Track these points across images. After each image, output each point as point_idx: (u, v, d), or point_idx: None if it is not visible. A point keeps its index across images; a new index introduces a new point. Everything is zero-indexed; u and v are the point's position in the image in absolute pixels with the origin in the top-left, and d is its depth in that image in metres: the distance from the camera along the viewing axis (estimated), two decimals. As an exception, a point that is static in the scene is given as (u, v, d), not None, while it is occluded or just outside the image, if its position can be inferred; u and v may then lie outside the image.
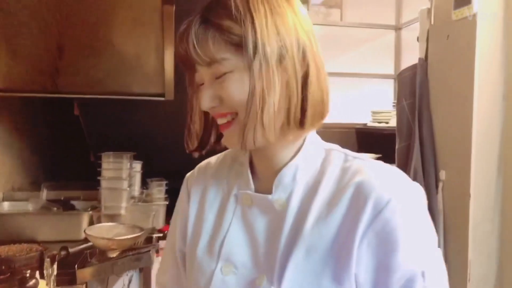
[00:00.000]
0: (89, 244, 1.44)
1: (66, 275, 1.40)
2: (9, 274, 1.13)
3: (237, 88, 0.55)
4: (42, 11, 1.51)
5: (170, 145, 2.52)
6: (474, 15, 1.11)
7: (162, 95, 1.90)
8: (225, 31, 0.54)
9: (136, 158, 2.18)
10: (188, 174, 0.75)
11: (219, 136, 0.64)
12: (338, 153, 0.62)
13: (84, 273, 1.42)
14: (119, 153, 2.01)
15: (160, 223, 2.26)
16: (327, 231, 0.55)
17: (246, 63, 0.54)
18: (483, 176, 1.17)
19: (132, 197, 2.15)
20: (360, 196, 0.54)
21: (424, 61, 1.31)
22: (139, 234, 1.72)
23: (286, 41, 0.55)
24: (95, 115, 2.24)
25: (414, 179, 1.29)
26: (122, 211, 2.00)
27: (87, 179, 2.13)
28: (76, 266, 1.39)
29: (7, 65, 1.74)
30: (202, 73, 0.58)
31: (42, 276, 1.16)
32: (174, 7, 1.44)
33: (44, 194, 2.15)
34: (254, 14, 0.54)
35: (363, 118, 2.74)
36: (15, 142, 2.31)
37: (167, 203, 2.28)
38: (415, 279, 0.53)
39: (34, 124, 2.44)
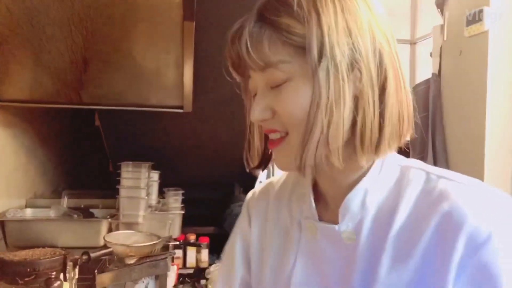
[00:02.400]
0: (109, 249, 1.49)
1: (86, 280, 1.45)
2: (34, 276, 1.18)
3: (294, 100, 0.47)
4: (69, 26, 1.58)
5: (187, 155, 2.60)
6: (486, 32, 1.14)
7: (181, 107, 1.96)
8: (284, 30, 0.46)
9: (154, 168, 2.24)
10: (249, 195, 0.67)
11: None
12: (418, 171, 0.51)
13: (103, 278, 1.47)
14: (137, 162, 2.08)
15: (176, 232, 2.31)
16: (407, 273, 0.45)
17: (309, 69, 0.45)
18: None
19: (150, 206, 2.21)
20: (448, 229, 0.43)
21: (438, 76, 1.33)
22: (156, 241, 1.77)
23: (360, 43, 0.46)
24: (115, 126, 2.31)
25: (427, 191, 1.31)
26: (140, 219, 2.05)
27: (106, 188, 2.20)
28: (95, 271, 1.44)
29: (34, 78, 1.82)
30: (256, 80, 0.51)
31: (65, 279, 1.21)
32: (194, 23, 1.50)
33: (65, 201, 2.22)
34: (320, 10, 0.45)
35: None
36: (39, 151, 2.39)
37: (183, 212, 2.34)
38: None
39: (56, 134, 2.53)
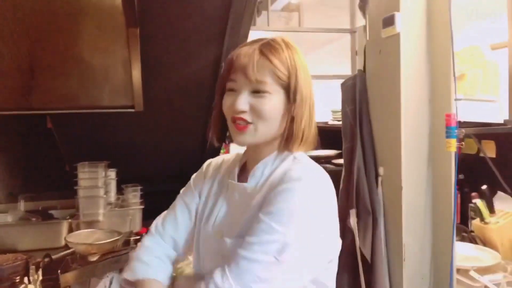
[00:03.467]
0: (71, 250, 1.56)
1: (51, 280, 1.52)
2: (-2, 282, 1.25)
3: (269, 106, 0.78)
4: (13, 35, 1.60)
5: (143, 152, 2.65)
6: (398, 34, 1.30)
7: (132, 107, 2.02)
8: (276, 67, 0.78)
9: (110, 166, 2.28)
10: (207, 162, 1.00)
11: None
12: (291, 156, 0.84)
13: (67, 277, 1.54)
14: (94, 162, 2.12)
15: (137, 226, 2.38)
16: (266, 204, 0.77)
17: (281, 95, 0.79)
18: (413, 171, 1.37)
19: (109, 203, 2.26)
20: (279, 179, 0.79)
21: (363, 72, 1.49)
22: (117, 238, 1.84)
23: (308, 92, 0.82)
24: (68, 127, 2.33)
25: (358, 175, 1.48)
26: (100, 218, 2.11)
27: (63, 189, 2.23)
28: (59, 271, 1.51)
29: (-20, 85, 1.81)
30: (243, 84, 0.80)
31: (29, 282, 1.28)
32: (138, 29, 1.57)
33: (22, 205, 2.23)
34: (298, 69, 0.80)
35: (324, 117, 2.93)
36: (-9, 157, 2.37)
37: (143, 206, 2.41)
38: (261, 218, 0.75)
39: (8, 139, 2.51)
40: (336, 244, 0.84)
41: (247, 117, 0.79)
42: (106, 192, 2.18)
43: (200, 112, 2.35)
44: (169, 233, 0.95)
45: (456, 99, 1.33)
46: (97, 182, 2.10)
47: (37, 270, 1.35)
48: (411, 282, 1.38)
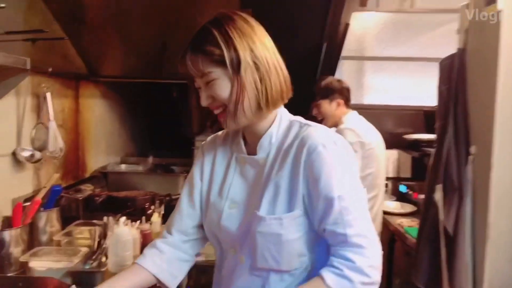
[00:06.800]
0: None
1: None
2: (133, 208, 1.62)
3: (221, 90, 0.81)
4: (153, 16, 1.95)
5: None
6: (499, 12, 1.27)
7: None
8: (208, 54, 0.80)
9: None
10: (203, 143, 1.01)
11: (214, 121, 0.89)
12: (296, 122, 0.87)
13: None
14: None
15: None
16: (285, 173, 0.82)
17: (226, 73, 0.80)
18: (509, 151, 1.34)
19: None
20: (300, 147, 0.81)
21: (462, 51, 1.48)
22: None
23: (247, 58, 0.80)
24: (189, 97, 2.70)
25: (448, 152, 1.49)
26: (211, 175, 2.44)
27: (184, 149, 2.61)
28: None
29: (125, 58, 2.24)
30: (199, 81, 0.84)
31: (153, 211, 1.62)
32: (251, 11, 1.78)
33: (151, 160, 2.69)
34: (231, 42, 0.79)
35: (433, 101, 2.84)
36: (129, 119, 2.89)
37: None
38: (333, 200, 0.77)
39: (144, 105, 3.00)
40: None
41: (216, 104, 0.82)
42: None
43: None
44: (176, 227, 0.94)
45: None
46: (209, 145, 2.43)
47: (160, 205, 1.70)
48: (496, 262, 1.38)
